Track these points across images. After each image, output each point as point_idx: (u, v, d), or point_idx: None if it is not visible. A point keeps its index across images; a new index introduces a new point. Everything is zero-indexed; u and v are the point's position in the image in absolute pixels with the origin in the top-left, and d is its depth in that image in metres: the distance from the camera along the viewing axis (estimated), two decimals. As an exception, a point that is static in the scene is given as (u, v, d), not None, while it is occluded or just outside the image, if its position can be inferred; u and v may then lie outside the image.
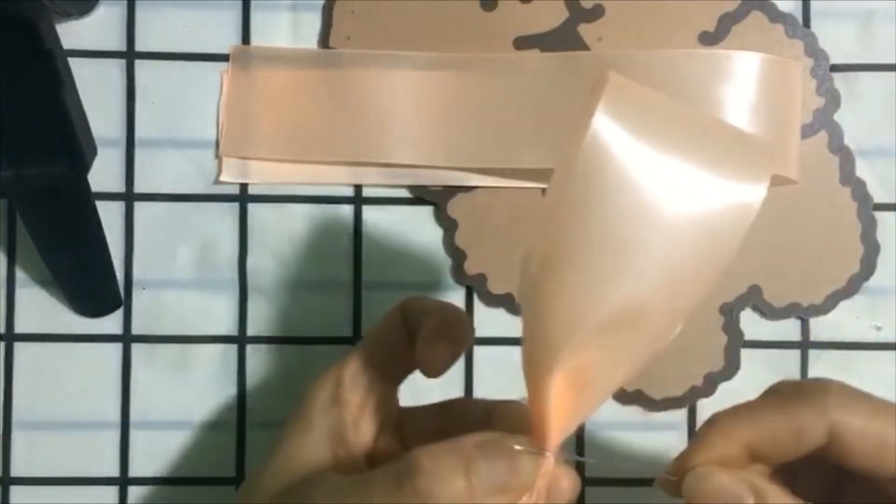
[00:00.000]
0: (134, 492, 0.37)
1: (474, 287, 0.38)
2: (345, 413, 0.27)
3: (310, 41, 0.38)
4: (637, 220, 0.21)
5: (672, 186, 0.21)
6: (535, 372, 0.23)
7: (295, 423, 0.27)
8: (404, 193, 0.38)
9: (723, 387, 0.37)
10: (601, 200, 0.21)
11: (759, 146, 0.23)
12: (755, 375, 0.37)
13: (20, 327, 0.38)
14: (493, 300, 0.37)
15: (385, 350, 0.28)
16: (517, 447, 0.24)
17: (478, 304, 0.38)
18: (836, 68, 0.38)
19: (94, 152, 0.36)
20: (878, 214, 0.37)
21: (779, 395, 0.25)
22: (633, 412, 0.38)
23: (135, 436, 0.38)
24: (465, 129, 0.37)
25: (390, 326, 0.29)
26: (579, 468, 0.37)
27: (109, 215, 0.37)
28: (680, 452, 0.26)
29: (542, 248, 0.22)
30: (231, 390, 0.38)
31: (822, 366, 0.37)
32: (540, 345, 0.23)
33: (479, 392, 0.37)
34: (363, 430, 0.28)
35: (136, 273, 0.38)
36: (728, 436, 0.25)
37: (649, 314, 0.22)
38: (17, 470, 0.37)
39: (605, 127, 0.20)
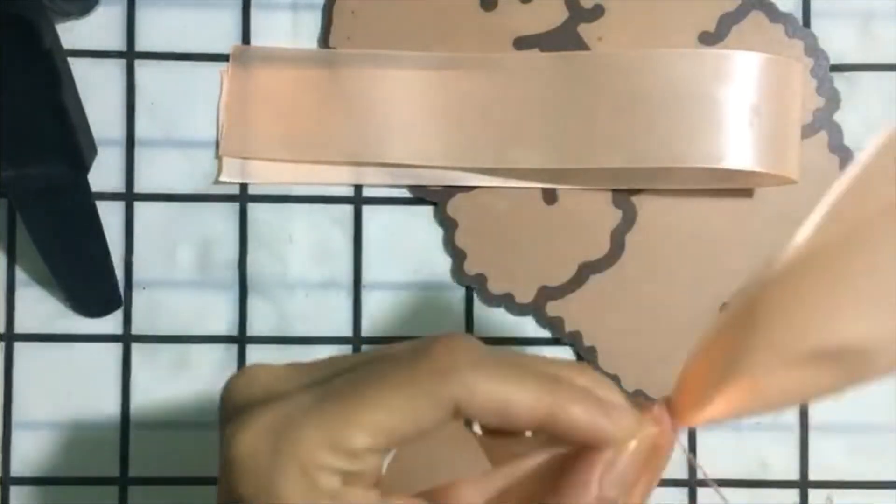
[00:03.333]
0: (134, 492, 0.37)
1: (474, 287, 0.38)
2: (371, 479, 0.22)
3: (310, 41, 0.38)
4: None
5: None
6: (706, 354, 0.22)
7: None
8: (404, 193, 0.38)
9: (723, 387, 0.37)
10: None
11: None
12: (755, 375, 0.37)
13: (20, 327, 0.38)
14: (493, 300, 0.38)
15: (417, 433, 0.22)
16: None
17: (478, 304, 0.38)
18: (836, 68, 0.38)
19: (94, 152, 0.36)
20: (878, 214, 0.37)
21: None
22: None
23: (135, 436, 0.38)
24: (465, 129, 0.37)
25: (430, 417, 0.22)
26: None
27: (109, 215, 0.37)
28: None
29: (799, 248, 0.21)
30: (231, 390, 0.38)
31: (822, 366, 0.37)
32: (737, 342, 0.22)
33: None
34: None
35: (136, 273, 0.38)
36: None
37: (872, 365, 0.20)
38: (17, 470, 0.37)
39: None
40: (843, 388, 0.21)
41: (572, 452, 0.23)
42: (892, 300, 0.20)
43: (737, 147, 0.34)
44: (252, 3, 0.38)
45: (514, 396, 0.21)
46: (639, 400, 0.24)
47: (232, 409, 0.23)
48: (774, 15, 0.37)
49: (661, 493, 0.37)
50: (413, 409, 0.21)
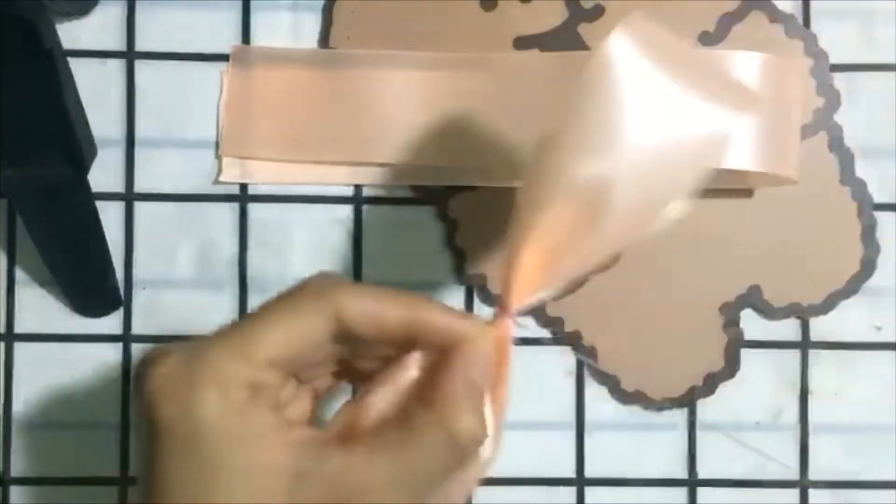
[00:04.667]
0: (134, 492, 0.37)
1: (474, 287, 0.38)
2: (273, 398, 0.24)
3: (310, 41, 0.38)
4: (616, 117, 0.25)
5: (659, 102, 0.25)
6: (511, 242, 0.26)
7: (203, 455, 0.23)
8: (404, 193, 0.38)
9: (723, 387, 0.37)
10: (595, 97, 0.25)
11: (745, 89, 0.28)
12: (755, 375, 0.37)
13: (20, 327, 0.38)
14: (493, 300, 0.37)
15: (309, 346, 0.25)
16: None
17: (478, 304, 0.38)
18: (836, 68, 0.38)
19: (94, 152, 0.36)
20: (878, 214, 0.37)
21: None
22: (633, 412, 0.38)
23: (135, 436, 0.38)
24: (466, 129, 0.37)
25: (317, 331, 0.25)
26: (579, 469, 0.37)
27: (109, 215, 0.37)
28: None
29: (544, 132, 0.26)
30: (231, 390, 0.38)
31: (822, 365, 0.37)
32: (518, 216, 0.27)
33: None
34: (302, 406, 0.26)
35: (136, 273, 0.38)
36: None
37: (613, 198, 0.25)
38: (17, 470, 0.37)
39: (618, 45, 0.25)
40: (610, 236, 0.26)
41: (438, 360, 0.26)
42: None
43: (737, 147, 0.34)
44: (252, 3, 0.38)
45: (384, 303, 0.25)
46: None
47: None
48: (774, 15, 0.37)
49: (661, 493, 0.37)
50: (301, 322, 0.24)
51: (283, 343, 0.24)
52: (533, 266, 0.26)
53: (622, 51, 0.25)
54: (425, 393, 0.25)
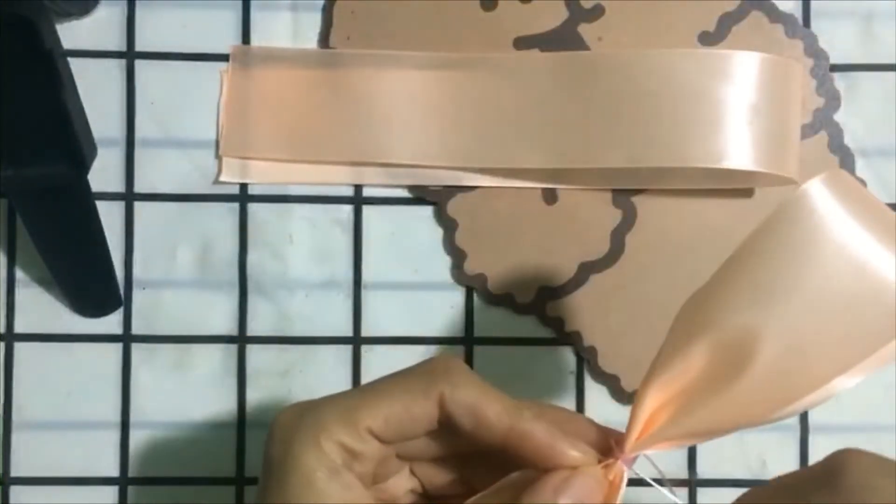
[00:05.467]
0: (134, 492, 0.37)
1: (474, 287, 0.38)
2: (366, 472, 0.25)
3: (310, 41, 0.38)
4: (793, 267, 0.23)
5: (849, 259, 0.22)
6: (644, 381, 0.25)
7: (291, 497, 0.24)
8: (404, 193, 0.38)
9: (723, 387, 0.37)
10: (775, 241, 0.23)
11: None
12: (755, 375, 0.37)
13: (20, 327, 0.38)
14: (493, 300, 0.38)
15: (411, 423, 0.26)
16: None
17: (478, 304, 0.38)
18: (836, 68, 0.38)
19: (94, 152, 0.36)
20: (878, 214, 0.37)
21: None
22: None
23: (135, 436, 0.38)
24: (465, 129, 0.37)
25: (421, 408, 0.25)
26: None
27: (109, 215, 0.37)
28: None
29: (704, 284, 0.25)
30: (231, 390, 0.38)
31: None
32: (658, 357, 0.25)
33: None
34: (402, 482, 0.27)
35: (136, 273, 0.38)
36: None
37: (759, 353, 0.23)
38: (17, 470, 0.37)
39: (817, 191, 0.23)
40: (749, 401, 0.23)
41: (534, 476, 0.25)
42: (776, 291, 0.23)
43: (736, 147, 0.34)
44: (252, 3, 0.38)
45: (487, 398, 0.25)
46: (608, 430, 0.27)
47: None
48: (774, 15, 0.37)
49: (661, 493, 0.37)
50: (407, 398, 0.25)
51: (385, 414, 0.25)
52: (660, 411, 0.25)
53: (822, 196, 0.23)
54: None
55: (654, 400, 0.25)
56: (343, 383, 0.38)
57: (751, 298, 0.23)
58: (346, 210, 0.38)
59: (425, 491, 0.28)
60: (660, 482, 0.26)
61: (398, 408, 0.25)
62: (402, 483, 0.27)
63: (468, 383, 0.25)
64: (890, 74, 0.38)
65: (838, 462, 0.24)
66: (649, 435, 0.25)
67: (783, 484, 0.25)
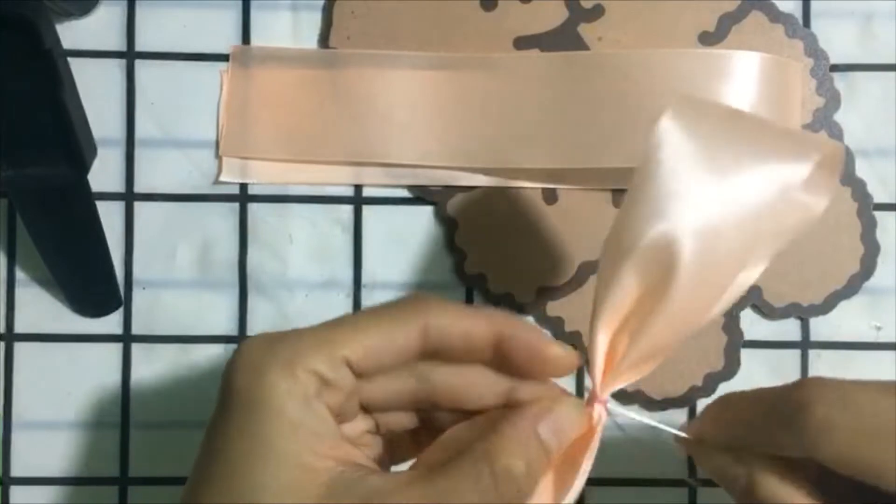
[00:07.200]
0: (134, 492, 0.37)
1: (474, 287, 0.38)
2: (336, 405, 0.24)
3: (310, 41, 0.38)
4: (680, 187, 0.24)
5: (719, 171, 0.24)
6: (590, 323, 0.25)
7: (259, 426, 0.23)
8: (404, 193, 0.38)
9: (723, 387, 0.37)
10: (656, 172, 0.25)
11: (805, 135, 0.27)
12: (755, 375, 0.37)
13: (20, 327, 0.38)
14: (493, 300, 0.38)
15: (391, 354, 0.25)
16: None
17: (478, 304, 0.38)
18: (836, 68, 0.38)
19: (94, 152, 0.36)
20: (878, 214, 0.37)
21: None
22: (633, 412, 0.37)
23: (135, 436, 0.38)
24: (465, 129, 0.37)
25: (404, 337, 0.25)
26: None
27: (109, 215, 0.37)
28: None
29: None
30: (231, 390, 0.38)
31: (822, 365, 0.37)
32: (595, 296, 0.26)
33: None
34: (359, 423, 0.26)
35: (136, 273, 0.38)
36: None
37: (681, 258, 0.24)
38: (17, 470, 0.37)
39: (667, 125, 0.25)
40: (683, 314, 0.25)
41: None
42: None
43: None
44: (252, 3, 0.38)
45: (471, 317, 0.25)
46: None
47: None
48: (774, 15, 0.37)
49: (661, 493, 0.37)
50: (387, 329, 0.24)
51: (364, 345, 0.24)
52: (615, 346, 0.26)
53: (672, 130, 0.25)
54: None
55: (604, 337, 0.25)
56: (343, 383, 0.38)
57: (661, 207, 0.24)
58: (346, 210, 0.38)
59: (380, 431, 0.27)
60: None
61: (379, 338, 0.24)
62: (360, 424, 0.26)
63: (449, 308, 0.25)
64: (890, 74, 0.38)
65: (803, 396, 0.25)
66: (612, 371, 0.26)
67: (755, 406, 0.26)
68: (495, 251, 0.37)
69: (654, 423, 0.28)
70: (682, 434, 0.29)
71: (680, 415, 0.37)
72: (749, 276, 0.25)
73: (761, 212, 0.25)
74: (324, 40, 0.38)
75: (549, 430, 0.25)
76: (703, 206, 0.24)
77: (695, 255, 0.24)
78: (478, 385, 0.26)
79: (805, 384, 0.25)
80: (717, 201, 0.24)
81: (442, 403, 0.26)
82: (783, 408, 0.25)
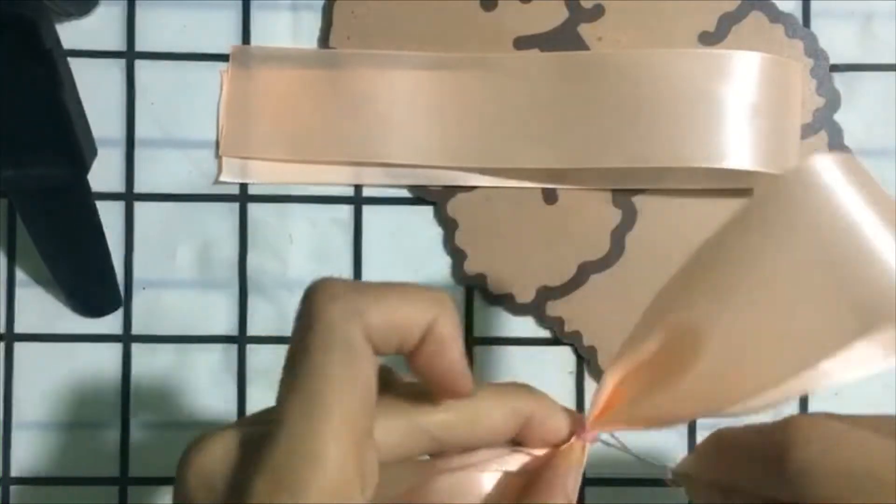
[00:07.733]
0: (134, 492, 0.37)
1: (474, 287, 0.38)
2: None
3: (310, 41, 0.38)
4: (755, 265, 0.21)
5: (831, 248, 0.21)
6: (612, 359, 0.25)
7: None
8: (404, 193, 0.38)
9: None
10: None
11: None
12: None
13: (20, 327, 0.38)
14: (493, 300, 0.37)
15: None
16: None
17: (478, 304, 0.38)
18: (836, 68, 0.38)
19: (94, 152, 0.36)
20: (878, 214, 0.37)
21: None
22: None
23: (135, 436, 0.38)
24: (465, 129, 0.37)
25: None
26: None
27: (109, 215, 0.37)
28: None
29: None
30: (231, 390, 0.38)
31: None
32: (625, 342, 0.25)
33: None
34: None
35: (136, 273, 0.38)
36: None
37: (702, 351, 0.22)
38: (17, 470, 0.37)
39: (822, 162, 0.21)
40: (697, 393, 0.23)
41: (537, 462, 0.25)
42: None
43: (737, 147, 0.34)
44: (252, 3, 0.38)
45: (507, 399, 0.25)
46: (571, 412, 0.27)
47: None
48: (774, 15, 0.37)
49: (661, 493, 0.37)
50: (411, 309, 0.23)
51: (389, 317, 0.23)
52: (620, 394, 0.25)
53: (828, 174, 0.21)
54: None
55: (614, 382, 0.25)
56: (343, 383, 0.38)
57: (699, 295, 0.22)
58: (346, 210, 0.38)
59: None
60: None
61: (400, 315, 0.23)
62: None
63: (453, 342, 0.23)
64: (890, 74, 0.38)
65: (788, 438, 0.23)
66: (610, 412, 0.26)
67: (748, 442, 0.25)
68: (495, 251, 0.37)
69: (648, 461, 0.27)
70: (670, 470, 0.28)
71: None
72: (788, 392, 0.22)
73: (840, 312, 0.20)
74: (324, 40, 0.38)
75: (573, 487, 0.25)
76: (749, 306, 0.21)
77: (716, 358, 0.22)
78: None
79: (791, 424, 0.23)
80: (775, 298, 0.21)
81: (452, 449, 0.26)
82: (768, 450, 0.23)
